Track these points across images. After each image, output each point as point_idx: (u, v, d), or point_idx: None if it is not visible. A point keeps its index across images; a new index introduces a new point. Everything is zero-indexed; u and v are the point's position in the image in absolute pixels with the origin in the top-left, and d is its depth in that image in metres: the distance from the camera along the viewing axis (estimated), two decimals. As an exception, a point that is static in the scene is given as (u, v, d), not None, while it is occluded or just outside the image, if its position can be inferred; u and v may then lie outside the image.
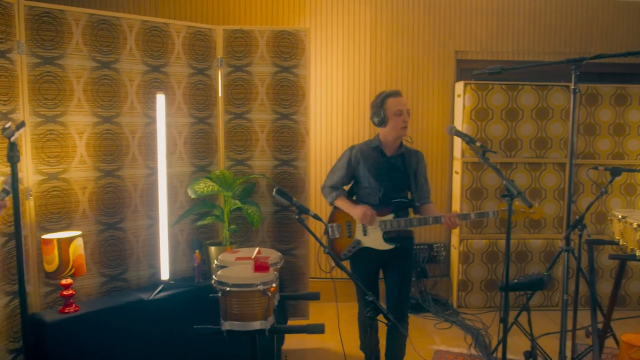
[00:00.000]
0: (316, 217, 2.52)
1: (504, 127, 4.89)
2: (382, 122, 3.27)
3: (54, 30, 3.26)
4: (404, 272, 3.39)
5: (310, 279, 4.42)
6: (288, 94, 4.03)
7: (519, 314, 3.76)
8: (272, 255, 2.55)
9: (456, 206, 4.99)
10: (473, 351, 4.10)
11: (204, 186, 3.53)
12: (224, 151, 4.04)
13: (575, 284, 3.45)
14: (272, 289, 2.23)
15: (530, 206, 2.62)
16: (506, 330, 2.77)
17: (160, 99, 3.48)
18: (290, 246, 4.12)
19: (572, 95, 3.23)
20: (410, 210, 3.44)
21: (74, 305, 3.09)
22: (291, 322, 4.13)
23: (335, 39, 5.03)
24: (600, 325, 3.49)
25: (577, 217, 3.27)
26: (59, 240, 3.00)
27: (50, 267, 3.01)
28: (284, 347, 4.06)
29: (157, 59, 3.68)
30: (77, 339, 3.00)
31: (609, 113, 4.98)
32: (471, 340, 4.29)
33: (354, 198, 3.42)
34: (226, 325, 2.19)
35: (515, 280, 3.28)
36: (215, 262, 2.49)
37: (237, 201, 3.56)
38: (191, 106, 3.87)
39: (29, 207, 3.23)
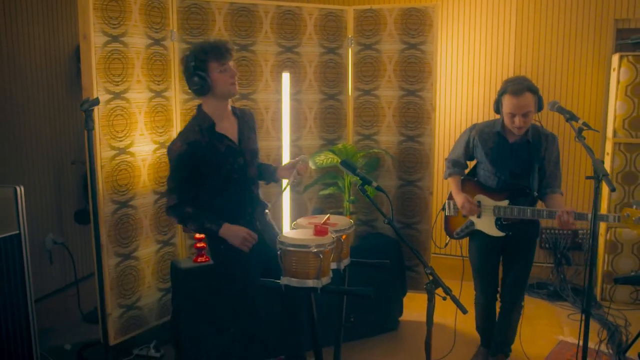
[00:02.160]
0: (379, 188, 2.61)
1: (630, 104, 4.36)
2: (499, 113, 3.18)
3: (200, 19, 3.73)
4: (521, 262, 3.31)
5: (437, 255, 4.47)
6: (415, 71, 4.07)
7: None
8: (341, 222, 2.71)
9: (605, 193, 4.59)
10: (603, 348, 3.83)
11: (324, 158, 3.77)
12: (352, 126, 4.24)
13: None
14: (327, 251, 2.40)
15: (613, 189, 2.40)
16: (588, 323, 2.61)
17: (286, 77, 3.78)
18: (413, 220, 4.21)
19: None
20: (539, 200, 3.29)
21: (205, 256, 3.57)
22: (412, 295, 4.23)
23: (475, 12, 4.90)
24: None
25: None
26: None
27: (183, 223, 3.53)
28: (403, 317, 4.20)
29: (289, 40, 3.99)
30: (206, 285, 3.46)
31: None
32: (606, 336, 4.00)
33: (475, 178, 3.38)
34: (284, 280, 2.42)
35: (633, 274, 3.01)
36: (293, 224, 2.72)
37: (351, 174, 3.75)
38: (322, 83, 4.13)
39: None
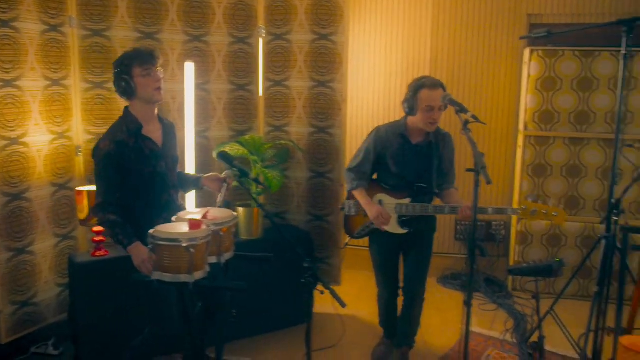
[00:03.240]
0: (257, 181, 2.64)
1: (574, 99, 4.46)
2: (411, 111, 3.12)
3: (101, 6, 3.60)
4: (421, 257, 3.35)
5: (351, 247, 4.46)
6: (326, 62, 4.04)
7: (553, 305, 3.52)
8: (222, 215, 2.66)
9: (517, 183, 4.68)
10: (508, 337, 3.90)
11: (230, 149, 3.71)
12: (263, 117, 4.18)
13: (620, 277, 3.14)
14: (200, 245, 2.36)
15: (489, 182, 2.43)
16: (469, 313, 2.66)
17: (190, 66, 3.70)
18: (324, 212, 4.19)
19: (622, 61, 2.92)
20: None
21: (103, 250, 3.46)
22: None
23: (391, 4, 4.90)
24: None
25: (613, 200, 2.97)
26: (89, 192, 3.37)
27: (82, 215, 3.43)
28: (316, 309, 4.18)
29: (197, 29, 3.90)
30: (104, 279, 3.35)
31: None
32: (511, 325, 4.07)
33: (375, 177, 3.36)
34: (156, 275, 2.37)
35: (525, 265, 3.07)
36: (173, 218, 2.66)
37: (259, 165, 3.70)
38: (231, 73, 4.05)
39: (79, 162, 3.65)
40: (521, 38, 3.18)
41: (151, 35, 3.75)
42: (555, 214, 2.84)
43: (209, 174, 3.05)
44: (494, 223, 4.92)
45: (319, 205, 4.19)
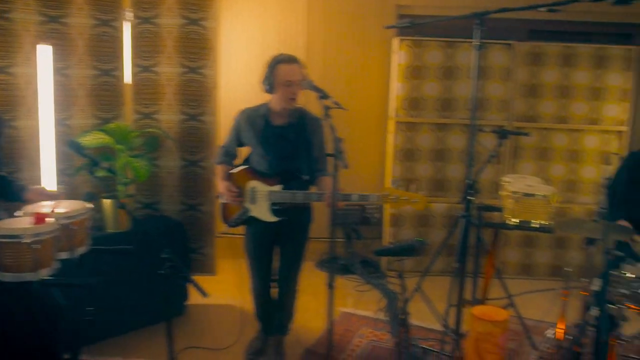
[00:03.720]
0: (111, 170, 2.58)
1: (439, 86, 4.70)
2: (270, 89, 3.09)
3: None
4: (295, 247, 3.36)
5: (226, 235, 4.41)
6: (197, 47, 3.94)
7: (419, 282, 3.70)
8: (74, 208, 2.52)
9: (388, 168, 4.87)
10: (381, 315, 4.06)
11: (92, 138, 3.51)
12: (131, 104, 4.00)
13: (476, 252, 3.36)
14: (47, 240, 2.22)
15: (345, 167, 2.50)
16: (332, 295, 2.73)
17: (44, 50, 3.45)
18: (198, 201, 4.11)
19: (475, 52, 3.09)
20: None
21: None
22: (198, 278, 4.13)
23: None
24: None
25: (469, 182, 3.15)
26: None
27: None
28: (190, 301, 4.10)
29: (55, 9, 3.63)
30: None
31: (555, 74, 4.72)
32: (384, 304, 4.24)
33: (249, 165, 3.30)
34: None
35: (389, 246, 3.20)
36: (18, 213, 2.48)
37: (126, 154, 3.55)
38: (94, 58, 3.83)
39: None
40: (386, 27, 3.30)
41: (0, 15, 3.45)
42: (415, 201, 2.93)
43: (36, 187, 2.80)
44: (368, 207, 5.08)
45: (192, 194, 4.10)
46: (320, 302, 4.25)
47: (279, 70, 3.03)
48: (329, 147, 2.58)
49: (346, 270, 4.84)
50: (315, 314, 4.03)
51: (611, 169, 2.65)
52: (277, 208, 3.16)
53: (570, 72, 4.71)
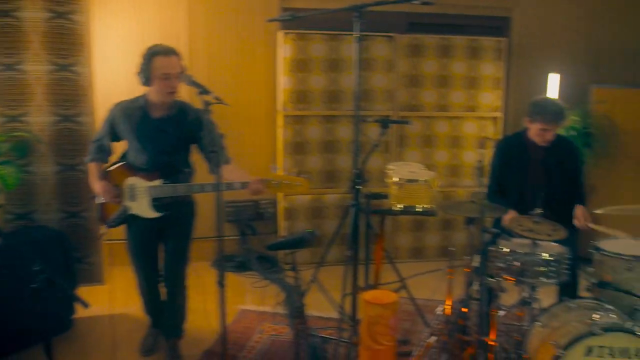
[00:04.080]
0: None
1: (325, 79, 4.76)
2: (146, 82, 2.96)
3: None
4: (179, 241, 3.24)
5: (112, 241, 4.20)
6: (66, 43, 3.71)
7: (315, 273, 3.73)
8: None
9: (279, 162, 4.86)
10: (280, 309, 4.05)
11: (-51, 146, 3.21)
12: (-5, 107, 3.70)
13: (366, 240, 3.42)
14: None
15: (226, 162, 2.48)
16: (223, 292, 2.69)
17: None
18: (79, 208, 3.88)
19: (356, 44, 3.12)
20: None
21: None
22: (86, 289, 3.91)
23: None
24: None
25: (356, 171, 3.20)
26: None
27: None
28: (78, 315, 3.86)
29: None
30: None
31: (434, 64, 4.93)
32: (282, 298, 4.23)
33: (125, 162, 3.15)
34: None
35: (281, 240, 3.19)
36: None
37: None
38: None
39: None
40: (268, 21, 3.28)
41: None
42: (298, 184, 2.92)
43: None
44: (261, 202, 5.04)
45: (72, 200, 3.86)
46: (217, 301, 4.17)
47: (155, 63, 2.92)
48: (211, 144, 2.52)
49: (243, 267, 4.78)
50: (213, 313, 3.94)
51: (485, 153, 2.80)
52: (158, 203, 3.05)
53: (448, 63, 4.94)
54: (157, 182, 3.02)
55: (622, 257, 2.72)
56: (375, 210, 3.41)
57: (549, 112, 3.27)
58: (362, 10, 3.09)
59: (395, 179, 3.16)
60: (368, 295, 2.84)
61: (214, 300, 4.15)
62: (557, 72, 4.93)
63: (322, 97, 4.77)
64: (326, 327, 3.71)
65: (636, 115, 4.64)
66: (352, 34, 4.56)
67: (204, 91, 2.65)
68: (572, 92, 5.06)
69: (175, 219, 3.14)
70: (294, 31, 4.66)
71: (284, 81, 4.70)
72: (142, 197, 3.04)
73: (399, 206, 3.14)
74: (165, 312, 3.33)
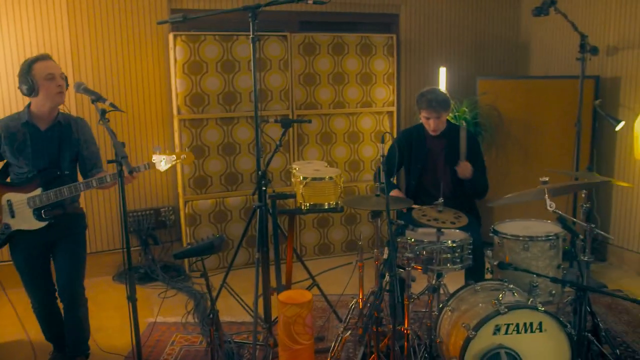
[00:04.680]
0: None
1: (220, 81, 4.67)
2: (32, 91, 2.85)
3: None
4: (72, 252, 3.09)
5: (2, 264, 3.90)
6: None
7: (224, 278, 3.65)
8: None
9: (178, 167, 4.72)
10: (190, 318, 3.94)
11: None
12: None
13: (275, 240, 3.40)
14: None
15: (130, 172, 2.41)
16: (134, 302, 2.59)
17: None
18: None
19: (251, 45, 3.09)
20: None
21: None
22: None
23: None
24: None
25: (260, 172, 3.18)
26: None
27: None
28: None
29: None
30: None
31: (328, 62, 5.00)
32: (192, 306, 4.12)
33: (8, 179, 3.01)
34: None
35: (188, 247, 3.09)
36: None
37: None
38: None
39: None
40: (159, 23, 3.15)
41: None
42: (183, 157, 2.96)
43: None
44: (162, 209, 4.88)
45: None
46: (124, 316, 3.97)
47: (36, 69, 2.86)
48: (111, 153, 2.41)
49: (148, 278, 4.60)
50: (121, 329, 3.77)
51: (385, 147, 2.88)
52: (42, 212, 2.92)
53: (342, 60, 5.04)
54: (37, 192, 2.90)
55: (519, 238, 2.91)
56: (283, 211, 3.41)
57: (427, 100, 3.48)
58: (257, 11, 3.08)
59: (301, 178, 3.17)
60: (283, 296, 2.84)
61: (120, 315, 3.97)
62: (445, 66, 5.19)
63: (218, 99, 4.68)
64: (241, 332, 3.67)
65: (518, 105, 4.98)
66: (244, 34, 4.61)
67: (98, 98, 2.56)
68: (460, 85, 5.36)
69: (64, 230, 3.04)
70: (185, 33, 4.54)
71: (177, 84, 4.56)
72: (22, 211, 2.90)
73: (307, 205, 3.16)
74: (67, 329, 3.14)
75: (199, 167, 4.70)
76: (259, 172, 3.14)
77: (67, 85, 2.97)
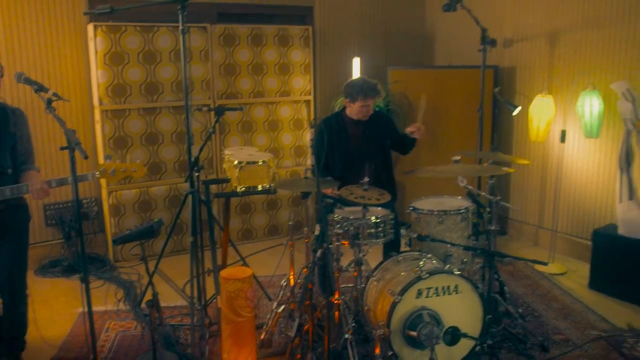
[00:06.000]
0: None
1: (142, 71, 4.69)
2: None
3: None
4: (14, 246, 3.02)
5: None
6: None
7: (157, 264, 3.73)
8: None
9: (101, 158, 4.71)
10: (122, 306, 3.98)
11: None
12: None
13: (209, 223, 3.52)
14: None
15: (85, 157, 2.44)
16: (88, 286, 2.66)
17: None
18: None
19: (181, 36, 3.16)
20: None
21: None
22: None
23: None
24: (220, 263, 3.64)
25: (192, 159, 3.28)
26: None
27: None
28: None
29: None
30: None
31: (247, 53, 5.14)
32: (122, 295, 4.16)
33: None
34: None
35: (127, 232, 3.16)
36: None
37: None
38: None
39: None
40: (85, 14, 3.16)
41: None
42: (134, 170, 2.90)
43: None
44: (84, 201, 4.84)
45: None
46: (53, 308, 3.98)
47: None
48: (61, 141, 2.43)
49: (73, 270, 4.56)
50: (51, 321, 3.76)
51: (305, 134, 3.10)
52: None
53: (260, 51, 5.19)
54: None
55: (434, 213, 3.24)
56: (219, 194, 3.54)
57: (366, 89, 3.75)
58: (186, 3, 3.16)
59: (236, 162, 3.32)
60: (225, 272, 2.99)
61: (48, 307, 3.95)
62: (358, 56, 5.48)
63: (140, 90, 4.70)
64: (174, 316, 3.78)
65: (426, 92, 5.35)
66: (165, 25, 4.65)
67: (40, 88, 2.57)
68: (373, 74, 5.63)
69: (6, 223, 2.95)
70: (105, 23, 4.51)
71: (98, 75, 4.53)
72: None
73: (242, 188, 3.32)
74: (6, 326, 3.10)
75: (122, 158, 4.69)
76: (192, 159, 3.24)
77: (2, 74, 2.88)
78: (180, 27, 3.14)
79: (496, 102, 5.03)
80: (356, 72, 5.42)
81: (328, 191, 3.55)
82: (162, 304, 3.95)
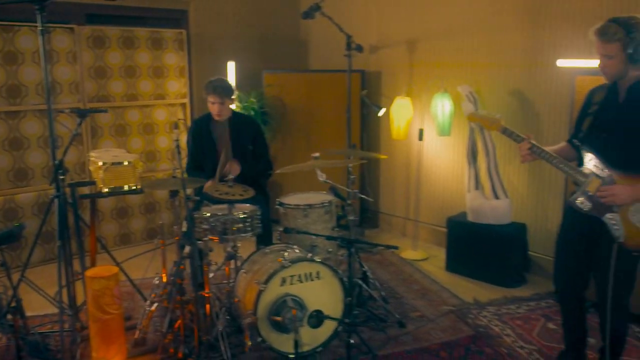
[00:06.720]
0: None
1: (2, 73, 4.49)
2: None
3: None
4: None
5: None
6: None
7: (23, 271, 3.60)
8: None
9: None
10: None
11: None
12: None
13: (76, 226, 3.46)
14: None
15: None
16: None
17: None
18: None
19: (40, 37, 3.10)
20: None
21: None
22: None
23: None
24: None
25: (57, 162, 3.22)
26: None
27: None
28: None
29: None
30: None
31: (119, 56, 5.08)
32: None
33: None
34: None
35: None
36: None
37: None
38: None
39: None
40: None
41: None
42: None
43: None
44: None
45: None
46: None
47: None
48: None
49: None
50: None
51: (179, 133, 3.17)
52: None
53: (133, 54, 5.15)
54: None
55: (299, 207, 3.43)
56: (84, 195, 3.50)
57: (213, 86, 3.95)
58: (44, 4, 3.11)
59: (101, 164, 3.32)
60: (90, 272, 2.99)
61: None
62: (234, 60, 5.59)
63: (1, 92, 4.50)
64: (44, 324, 3.67)
65: (300, 95, 5.60)
66: (27, 25, 4.49)
67: None
68: (249, 78, 5.81)
69: None
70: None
71: (-44, 76, 4.31)
72: None
73: (107, 189, 3.32)
74: None
75: (18, 159, 4.49)
76: (56, 162, 3.19)
77: None
78: (40, 28, 3.09)
79: (364, 104, 5.35)
80: (231, 76, 5.53)
81: (207, 185, 3.64)
82: (33, 312, 3.85)
